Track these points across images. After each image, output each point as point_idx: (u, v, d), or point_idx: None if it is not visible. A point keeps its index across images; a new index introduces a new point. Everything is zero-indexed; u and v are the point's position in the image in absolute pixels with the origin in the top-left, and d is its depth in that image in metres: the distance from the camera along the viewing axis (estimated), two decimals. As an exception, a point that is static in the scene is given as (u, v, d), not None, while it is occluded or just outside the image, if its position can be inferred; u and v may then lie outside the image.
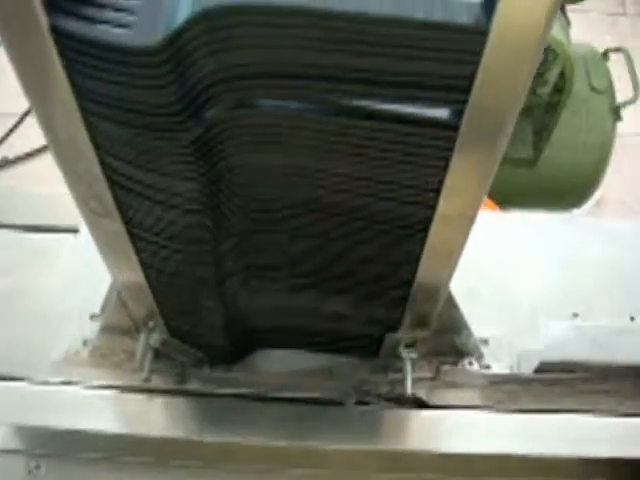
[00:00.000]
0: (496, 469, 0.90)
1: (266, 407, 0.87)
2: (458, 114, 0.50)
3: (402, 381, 0.84)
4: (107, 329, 0.91)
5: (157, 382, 0.90)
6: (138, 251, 0.68)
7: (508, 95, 0.48)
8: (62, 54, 0.46)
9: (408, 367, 0.83)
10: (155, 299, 0.77)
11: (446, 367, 0.91)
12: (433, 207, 0.59)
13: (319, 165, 0.58)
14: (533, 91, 1.85)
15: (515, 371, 0.90)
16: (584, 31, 2.30)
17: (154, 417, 0.84)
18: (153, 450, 0.90)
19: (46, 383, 0.90)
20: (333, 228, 0.67)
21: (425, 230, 0.62)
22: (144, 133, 0.53)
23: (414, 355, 0.84)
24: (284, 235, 0.70)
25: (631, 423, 0.88)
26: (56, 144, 0.52)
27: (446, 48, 0.46)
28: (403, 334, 0.81)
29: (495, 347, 0.93)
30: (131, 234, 0.65)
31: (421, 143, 0.53)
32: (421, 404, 0.90)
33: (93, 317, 0.95)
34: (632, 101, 1.94)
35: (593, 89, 2.02)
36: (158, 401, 0.84)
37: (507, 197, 1.72)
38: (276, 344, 0.93)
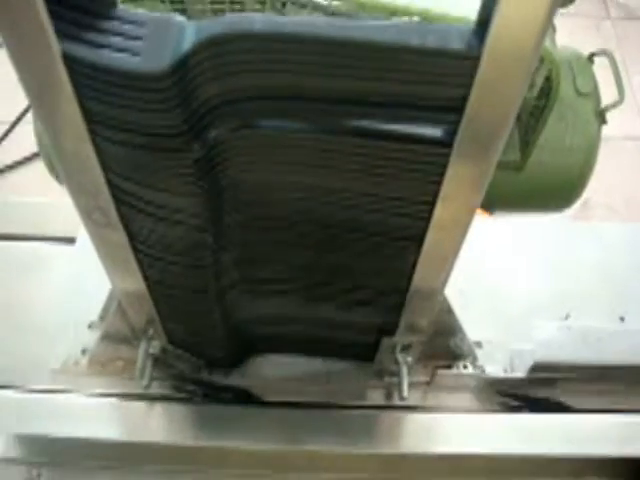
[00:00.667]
0: (492, 470, 0.92)
1: (263, 412, 0.88)
2: (452, 132, 0.52)
3: (398, 385, 0.86)
4: (106, 338, 0.93)
5: (156, 389, 0.91)
6: (139, 262, 0.69)
7: (499, 114, 0.50)
8: (73, 78, 0.47)
9: (404, 371, 0.85)
10: (155, 307, 0.79)
11: (441, 371, 0.93)
12: (428, 218, 0.62)
13: (318, 182, 0.60)
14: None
15: (509, 372, 0.93)
16: (569, 35, 2.34)
17: (153, 424, 0.85)
18: (153, 457, 0.91)
19: (46, 392, 0.91)
20: (331, 240, 0.69)
21: (421, 239, 0.65)
22: (149, 153, 0.55)
23: (410, 359, 0.86)
24: (282, 248, 0.72)
25: (624, 422, 0.90)
26: (63, 158, 0.54)
27: (440, 72, 0.49)
28: (399, 338, 0.84)
29: (489, 349, 0.95)
30: (133, 246, 0.67)
31: (417, 159, 0.56)
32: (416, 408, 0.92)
33: (91, 326, 0.96)
34: (617, 104, 1.97)
35: (579, 92, 2.04)
36: (157, 408, 0.86)
37: (494, 200, 1.74)
38: (273, 350, 0.95)
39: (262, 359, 0.95)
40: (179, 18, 0.49)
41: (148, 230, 0.65)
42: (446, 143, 0.53)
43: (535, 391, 0.93)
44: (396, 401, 0.90)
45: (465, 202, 0.59)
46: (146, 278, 0.74)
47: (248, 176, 0.60)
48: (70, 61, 0.46)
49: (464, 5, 1.33)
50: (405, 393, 0.84)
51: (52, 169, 1.88)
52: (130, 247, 0.66)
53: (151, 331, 0.83)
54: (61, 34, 0.45)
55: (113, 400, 0.88)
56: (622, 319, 0.97)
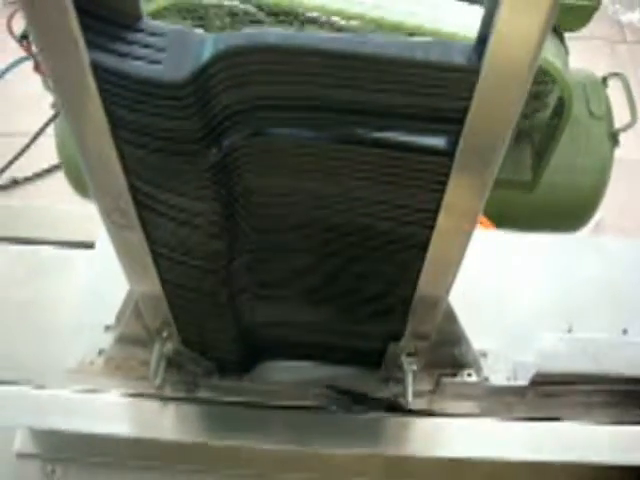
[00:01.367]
0: (493, 475, 0.93)
1: (272, 413, 0.91)
2: (453, 142, 0.55)
3: (403, 392, 0.88)
4: (121, 339, 0.96)
5: (169, 391, 0.94)
6: (156, 263, 0.73)
7: (498, 126, 0.53)
8: (99, 85, 0.51)
9: (409, 378, 0.87)
10: (170, 309, 0.82)
11: (446, 379, 0.95)
12: (432, 226, 0.64)
13: (328, 189, 0.64)
14: (528, 116, 1.90)
15: (512, 382, 0.94)
16: (584, 58, 2.37)
17: (166, 422, 0.88)
18: (164, 455, 0.94)
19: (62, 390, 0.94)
20: (340, 247, 0.72)
21: (425, 247, 0.67)
22: (169, 158, 0.58)
23: (415, 367, 0.88)
24: (293, 253, 0.75)
25: (623, 431, 0.91)
26: (87, 160, 0.57)
27: (442, 85, 0.52)
28: (404, 344, 0.86)
29: (493, 359, 0.97)
30: (150, 247, 0.70)
31: (421, 168, 0.59)
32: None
33: (108, 328, 1.00)
34: (629, 126, 1.99)
35: (592, 114, 2.07)
36: (170, 407, 0.89)
37: (505, 219, 1.76)
38: (282, 355, 0.98)
39: (273, 364, 0.98)
40: (199, 31, 0.53)
41: (165, 232, 0.68)
42: (448, 153, 0.56)
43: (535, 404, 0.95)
44: (402, 408, 0.92)
45: (467, 210, 0.62)
46: (162, 280, 0.77)
47: (262, 182, 0.63)
48: (98, 69, 0.50)
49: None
50: (410, 399, 0.86)
51: (72, 180, 1.94)
52: (148, 249, 0.69)
53: (165, 333, 0.86)
54: (90, 44, 0.49)
55: (127, 399, 0.91)
56: (625, 332, 0.98)
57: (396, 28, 1.43)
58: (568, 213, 2.10)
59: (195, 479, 0.94)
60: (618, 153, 2.05)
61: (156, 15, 1.43)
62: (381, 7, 1.47)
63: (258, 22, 1.44)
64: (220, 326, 0.88)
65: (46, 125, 1.97)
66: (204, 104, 0.54)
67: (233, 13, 1.47)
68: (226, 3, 1.43)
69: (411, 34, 1.40)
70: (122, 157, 0.57)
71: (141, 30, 0.53)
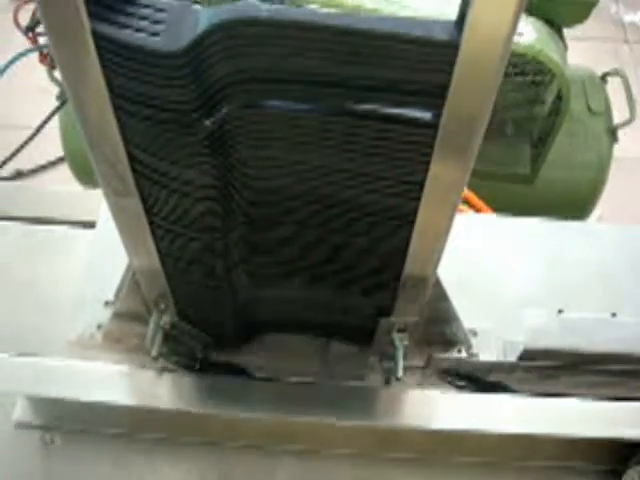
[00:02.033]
0: (485, 447, 0.96)
1: (266, 385, 0.94)
2: (437, 115, 0.58)
3: (394, 366, 0.90)
4: (118, 315, 0.99)
5: (166, 364, 0.97)
6: (154, 233, 0.76)
7: (478, 98, 0.56)
8: (100, 54, 0.54)
9: (400, 352, 0.90)
10: (167, 282, 0.85)
11: (437, 355, 0.98)
12: (419, 198, 0.67)
13: (318, 160, 0.66)
14: (527, 110, 1.93)
15: (501, 359, 0.97)
16: (587, 58, 2.39)
17: (163, 391, 0.91)
18: (160, 426, 0.97)
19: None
20: (330, 220, 0.75)
21: (412, 220, 0.70)
22: (165, 127, 0.61)
23: (406, 342, 0.91)
24: (284, 226, 0.78)
25: (612, 406, 0.94)
26: (86, 128, 0.60)
27: (425, 59, 0.55)
28: (395, 319, 0.88)
29: (483, 338, 1.00)
30: (148, 217, 0.73)
31: (407, 140, 0.62)
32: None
33: (107, 304, 1.03)
34: (628, 122, 2.01)
35: (591, 110, 2.09)
36: (165, 377, 0.92)
37: (505, 213, 1.78)
38: (278, 330, 1.00)
39: (269, 339, 1.01)
40: (196, 6, 0.56)
41: (162, 202, 0.71)
42: (432, 125, 0.59)
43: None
44: (393, 382, 0.95)
45: (452, 181, 0.64)
46: (159, 252, 0.80)
47: (254, 154, 0.66)
48: (98, 38, 0.53)
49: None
50: (400, 373, 0.89)
51: (76, 172, 1.96)
52: (145, 218, 0.72)
53: (162, 305, 0.89)
54: (92, 14, 0.52)
55: (124, 368, 0.94)
56: (614, 315, 1.00)
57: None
58: (567, 208, 2.12)
59: (191, 451, 0.97)
60: (617, 151, 2.07)
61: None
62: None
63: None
64: (216, 300, 0.91)
65: (50, 116, 2.00)
66: (199, 75, 0.56)
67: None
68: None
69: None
70: (120, 125, 0.60)
71: (141, 4, 0.55)
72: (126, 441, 0.98)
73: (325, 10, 0.55)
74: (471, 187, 1.66)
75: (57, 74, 1.73)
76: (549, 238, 1.16)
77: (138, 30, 0.54)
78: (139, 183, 0.67)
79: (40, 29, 1.71)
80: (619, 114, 2.02)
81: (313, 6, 1.47)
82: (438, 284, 0.88)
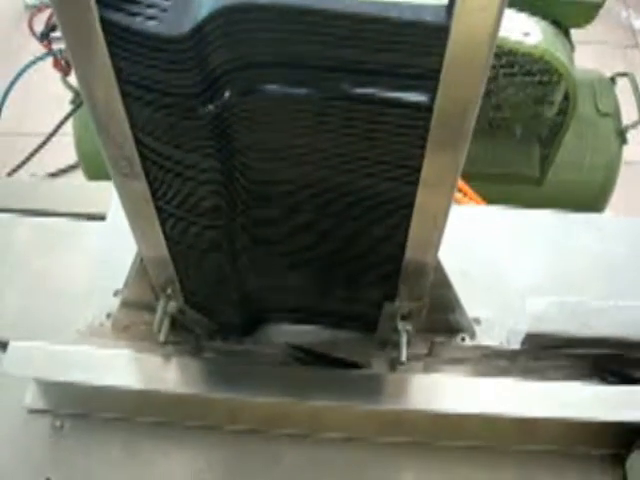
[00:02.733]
0: (486, 431, 0.97)
1: (274, 369, 0.97)
2: (432, 97, 0.60)
3: (398, 352, 0.92)
4: (126, 303, 1.02)
5: (173, 351, 1.00)
6: (161, 219, 0.78)
7: (470, 80, 0.58)
8: (107, 39, 0.57)
9: (404, 338, 0.91)
10: (174, 268, 0.87)
11: (440, 342, 0.99)
12: (416, 182, 0.69)
13: (317, 145, 0.69)
14: (535, 112, 1.94)
15: (505, 346, 0.98)
16: (597, 63, 2.40)
17: (171, 376, 0.93)
18: (168, 411, 0.99)
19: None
20: (329, 205, 0.77)
21: (412, 204, 0.72)
22: (169, 111, 0.64)
23: (409, 327, 0.92)
24: (286, 212, 0.80)
25: (615, 390, 0.95)
26: (94, 110, 0.63)
27: (418, 42, 0.57)
28: (399, 304, 0.90)
29: (487, 326, 1.01)
30: (154, 201, 0.75)
31: (403, 123, 0.64)
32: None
33: (116, 293, 1.06)
34: (637, 124, 2.02)
35: (599, 112, 2.09)
36: (175, 362, 0.94)
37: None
38: (283, 319, 1.03)
39: (274, 328, 1.03)
40: (199, -7, 0.58)
41: (167, 185, 0.74)
42: (427, 106, 0.61)
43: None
44: (397, 368, 0.96)
45: (449, 162, 0.66)
46: (166, 236, 0.82)
47: (255, 138, 0.68)
48: (106, 24, 0.56)
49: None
50: (404, 358, 0.90)
51: (90, 177, 2.00)
52: (152, 201, 0.74)
53: (170, 291, 0.92)
54: (99, 1, 0.55)
55: (133, 354, 0.97)
56: (616, 302, 1.01)
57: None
58: (576, 209, 2.12)
59: (198, 434, 0.99)
60: (628, 155, 2.07)
61: None
62: None
63: None
64: (223, 287, 0.93)
65: (65, 120, 2.04)
66: (202, 60, 0.59)
67: None
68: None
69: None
70: (127, 107, 0.62)
71: (146, -8, 0.58)
72: (134, 425, 1.00)
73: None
74: (479, 188, 1.68)
75: (70, 80, 1.78)
76: (552, 228, 1.17)
77: (143, 16, 0.57)
78: (145, 165, 0.70)
79: (54, 35, 1.76)
80: (628, 116, 2.03)
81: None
82: (441, 271, 0.90)
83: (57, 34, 1.68)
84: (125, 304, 1.02)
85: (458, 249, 1.00)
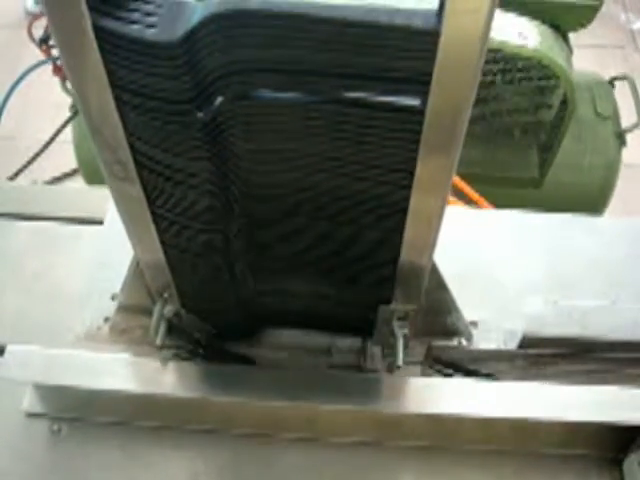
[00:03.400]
0: (484, 433, 0.97)
1: (271, 373, 0.97)
2: (423, 101, 0.60)
3: (394, 355, 0.92)
4: (123, 307, 1.02)
5: (170, 355, 1.00)
6: (156, 223, 0.79)
7: (461, 84, 0.58)
8: (100, 45, 0.57)
9: (400, 341, 0.91)
10: (170, 271, 0.88)
11: (437, 345, 0.99)
12: (410, 185, 0.69)
13: (310, 149, 0.69)
14: (534, 114, 1.94)
15: (502, 348, 0.99)
16: (595, 65, 2.40)
17: (168, 379, 0.93)
18: (166, 413, 0.99)
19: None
20: (325, 210, 0.77)
21: (406, 206, 0.72)
22: (161, 118, 0.64)
23: (406, 330, 0.92)
24: (281, 217, 0.80)
25: (613, 391, 0.94)
26: (87, 115, 0.63)
27: (408, 47, 0.57)
28: (395, 307, 0.90)
29: (484, 329, 1.02)
30: (150, 208, 0.76)
31: (396, 127, 0.64)
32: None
33: (114, 297, 1.06)
34: (636, 126, 2.02)
35: (598, 114, 2.09)
36: (172, 365, 0.95)
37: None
38: (281, 323, 1.03)
39: (272, 331, 1.03)
40: (191, 0, 0.59)
41: (161, 190, 0.74)
42: (419, 110, 0.61)
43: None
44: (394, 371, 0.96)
45: (442, 165, 0.67)
46: (162, 242, 0.83)
47: (248, 144, 0.69)
48: (99, 31, 0.56)
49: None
50: (400, 362, 0.90)
51: (89, 183, 2.01)
52: (147, 204, 0.75)
53: (166, 294, 0.92)
54: (92, 9, 0.55)
55: (130, 358, 0.97)
56: (613, 304, 1.01)
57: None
58: (575, 212, 2.12)
59: (196, 437, 1.00)
60: (628, 158, 2.08)
61: None
62: None
63: None
64: (219, 292, 0.94)
65: (64, 125, 2.04)
66: (194, 65, 0.59)
67: None
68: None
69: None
70: (120, 112, 0.63)
71: (140, -1, 0.59)
72: (132, 429, 1.00)
73: (316, 1, 0.58)
74: (479, 191, 1.68)
75: (70, 85, 1.78)
76: (548, 230, 1.18)
77: (136, 22, 0.57)
78: (140, 170, 0.70)
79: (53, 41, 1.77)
80: (627, 118, 2.03)
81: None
82: (437, 274, 0.90)
83: (56, 40, 1.68)
84: (122, 308, 1.02)
85: (455, 251, 1.00)
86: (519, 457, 0.99)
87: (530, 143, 2.06)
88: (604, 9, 1.81)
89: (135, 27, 0.57)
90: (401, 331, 0.93)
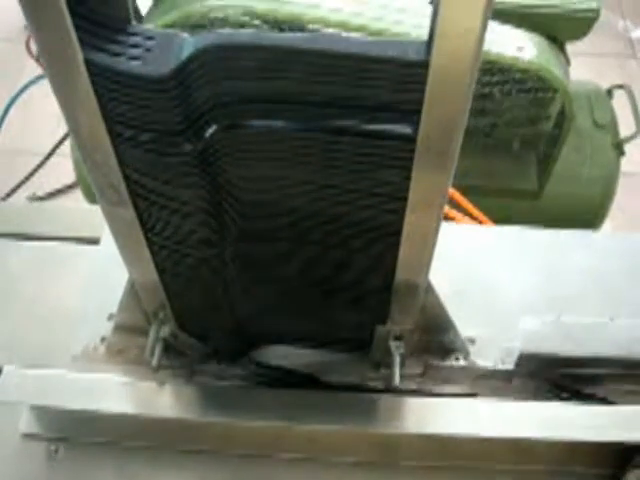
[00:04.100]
0: (482, 452, 0.97)
1: (264, 392, 0.96)
2: (415, 129, 0.61)
3: (391, 374, 0.92)
4: (119, 328, 1.02)
5: (166, 375, 1.00)
6: (149, 246, 0.79)
7: (451, 112, 0.59)
8: (93, 81, 0.58)
9: (397, 360, 0.91)
10: (165, 292, 0.88)
11: (434, 363, 0.99)
12: (404, 208, 0.69)
13: (303, 178, 0.69)
14: (531, 125, 1.95)
15: (499, 366, 0.98)
16: (593, 74, 2.40)
17: (164, 400, 0.93)
18: (163, 435, 0.99)
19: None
20: (317, 234, 0.78)
21: (400, 228, 0.72)
22: (154, 148, 0.65)
23: (402, 350, 0.92)
24: (276, 242, 0.80)
25: (609, 410, 0.95)
26: (79, 141, 0.64)
27: (399, 78, 0.57)
28: (390, 326, 0.90)
29: (481, 346, 1.01)
30: (144, 234, 0.76)
31: (387, 154, 0.64)
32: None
33: (110, 317, 1.06)
34: (634, 136, 2.02)
35: (596, 124, 2.10)
36: (166, 387, 0.95)
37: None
38: (277, 342, 1.03)
39: (268, 350, 1.03)
40: (182, 34, 0.59)
41: (154, 216, 0.74)
42: (411, 138, 0.61)
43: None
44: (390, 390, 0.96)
45: (435, 188, 0.67)
46: (156, 263, 0.83)
47: (241, 173, 0.69)
48: (91, 65, 0.57)
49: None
50: (397, 381, 0.90)
51: (89, 196, 2.00)
52: (141, 228, 0.75)
53: (162, 315, 0.92)
54: (84, 44, 0.56)
55: (126, 379, 0.97)
56: (612, 320, 1.01)
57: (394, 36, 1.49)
58: (574, 223, 2.10)
59: (193, 459, 0.99)
60: (626, 166, 2.08)
61: (168, 27, 1.51)
62: (381, 19, 1.53)
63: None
64: (214, 313, 0.94)
65: (62, 140, 2.04)
66: (185, 98, 0.60)
67: (240, 25, 1.54)
68: (232, 17, 1.50)
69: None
70: (113, 141, 0.63)
71: (130, 32, 0.59)
72: (130, 450, 1.00)
73: (305, 34, 0.58)
74: (478, 203, 1.68)
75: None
76: (546, 246, 1.17)
77: (127, 57, 0.57)
78: (132, 195, 0.70)
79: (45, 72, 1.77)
80: (626, 128, 2.03)
81: (315, 26, 1.51)
82: (433, 292, 0.90)
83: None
84: (118, 328, 1.03)
85: (452, 268, 1.00)
86: (518, 475, 0.98)
87: (529, 155, 2.06)
88: (602, 17, 1.81)
89: (126, 61, 0.57)
90: (397, 350, 0.93)
